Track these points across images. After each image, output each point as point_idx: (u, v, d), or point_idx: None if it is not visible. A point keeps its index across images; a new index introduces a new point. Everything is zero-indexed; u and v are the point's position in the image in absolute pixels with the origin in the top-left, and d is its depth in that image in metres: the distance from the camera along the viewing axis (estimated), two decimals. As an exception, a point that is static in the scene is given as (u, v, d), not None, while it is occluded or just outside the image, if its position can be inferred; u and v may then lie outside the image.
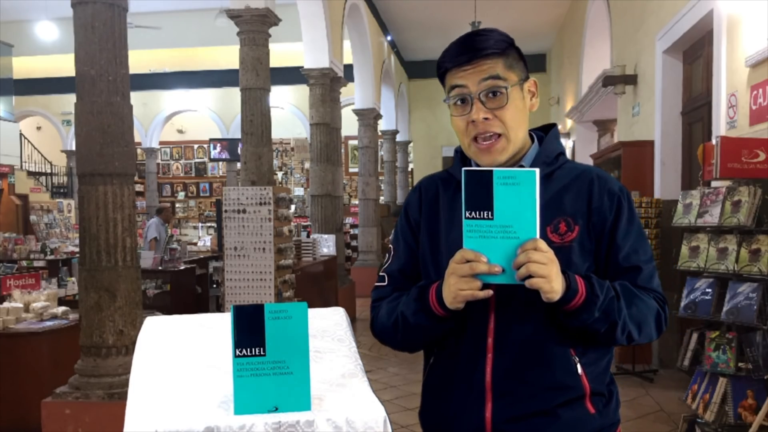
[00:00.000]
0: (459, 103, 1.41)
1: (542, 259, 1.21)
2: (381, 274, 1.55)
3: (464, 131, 1.42)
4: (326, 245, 8.14)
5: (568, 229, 1.38)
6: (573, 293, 1.27)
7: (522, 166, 1.45)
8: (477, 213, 1.23)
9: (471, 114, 1.39)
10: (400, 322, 1.42)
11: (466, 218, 1.24)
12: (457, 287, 1.27)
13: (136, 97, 6.44)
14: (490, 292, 1.27)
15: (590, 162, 7.81)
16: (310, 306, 1.18)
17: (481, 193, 1.22)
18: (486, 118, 1.38)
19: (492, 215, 1.22)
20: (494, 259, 1.23)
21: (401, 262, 1.53)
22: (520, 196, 1.21)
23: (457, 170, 1.50)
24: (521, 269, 1.21)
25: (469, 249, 1.24)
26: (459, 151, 1.54)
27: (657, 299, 1.42)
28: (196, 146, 18.41)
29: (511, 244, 1.22)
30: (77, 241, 5.71)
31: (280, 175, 17.71)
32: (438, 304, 1.33)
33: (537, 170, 1.21)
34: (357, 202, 12.84)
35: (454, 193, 1.48)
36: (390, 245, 1.59)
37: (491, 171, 1.22)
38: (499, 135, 1.39)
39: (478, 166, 1.48)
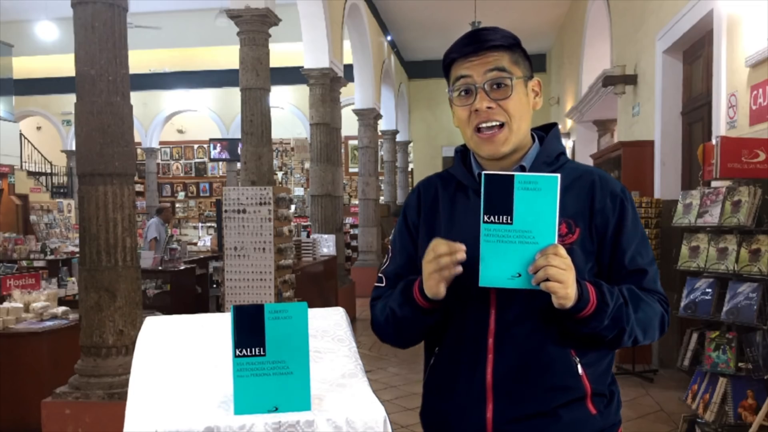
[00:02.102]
0: (463, 94, 1.42)
1: (561, 265, 1.21)
2: (379, 275, 1.57)
3: (467, 121, 1.42)
4: (326, 245, 8.13)
5: (568, 231, 1.38)
6: (584, 303, 1.27)
7: (522, 167, 1.45)
8: (496, 217, 1.22)
9: (474, 103, 1.39)
10: (390, 316, 1.44)
11: (484, 222, 1.23)
12: (426, 271, 1.31)
13: (136, 97, 6.44)
14: (460, 269, 1.28)
15: (590, 162, 7.81)
16: (310, 306, 1.18)
17: (500, 198, 1.22)
18: (489, 107, 1.39)
19: (511, 220, 1.22)
20: (512, 264, 1.23)
21: (397, 264, 1.54)
22: (540, 201, 1.20)
23: (458, 170, 1.50)
24: (539, 272, 1.21)
25: (444, 240, 1.28)
26: (459, 151, 1.54)
27: (661, 302, 1.43)
28: (196, 146, 18.40)
29: (530, 249, 1.22)
30: (77, 241, 5.71)
31: (280, 175, 17.70)
32: (420, 295, 1.35)
33: (558, 176, 1.21)
34: (357, 202, 12.84)
35: (454, 192, 1.49)
36: (389, 246, 1.60)
37: (512, 176, 1.21)
38: (502, 125, 1.40)
39: (479, 163, 1.48)
